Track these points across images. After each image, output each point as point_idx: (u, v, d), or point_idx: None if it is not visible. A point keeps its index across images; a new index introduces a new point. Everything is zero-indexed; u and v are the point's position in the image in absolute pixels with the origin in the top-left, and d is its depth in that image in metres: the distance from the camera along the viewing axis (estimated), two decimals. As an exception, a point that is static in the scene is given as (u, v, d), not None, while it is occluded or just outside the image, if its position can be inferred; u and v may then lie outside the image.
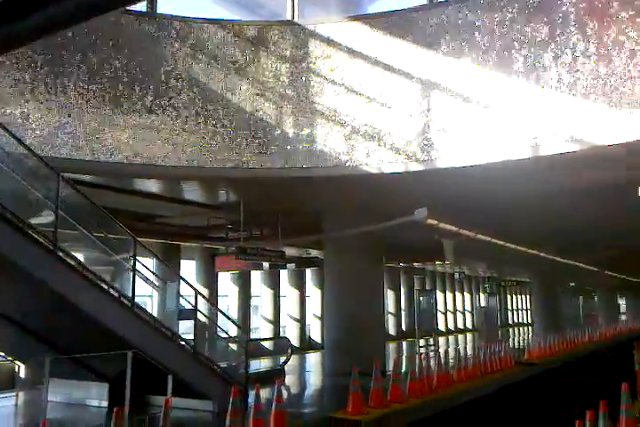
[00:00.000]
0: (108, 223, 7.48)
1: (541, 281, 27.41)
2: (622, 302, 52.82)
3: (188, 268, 17.63)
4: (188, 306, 8.16)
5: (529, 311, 42.42)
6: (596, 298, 42.86)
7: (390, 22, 8.92)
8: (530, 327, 36.12)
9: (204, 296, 8.38)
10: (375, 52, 8.91)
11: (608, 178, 9.38)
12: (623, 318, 46.24)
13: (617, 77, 7.36)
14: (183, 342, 7.97)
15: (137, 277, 7.65)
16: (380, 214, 10.67)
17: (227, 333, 9.61)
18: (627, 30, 7.30)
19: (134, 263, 7.35)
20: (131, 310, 7.06)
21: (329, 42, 9.14)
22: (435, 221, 10.23)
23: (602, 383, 10.71)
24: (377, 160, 8.76)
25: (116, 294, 7.12)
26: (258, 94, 9.11)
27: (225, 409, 6.13)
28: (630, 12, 7.31)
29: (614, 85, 7.36)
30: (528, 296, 42.60)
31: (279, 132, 9.06)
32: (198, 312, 8.22)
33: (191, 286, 8.16)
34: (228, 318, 9.45)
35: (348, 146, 8.92)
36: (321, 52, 9.11)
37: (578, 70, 7.63)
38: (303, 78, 9.13)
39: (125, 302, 7.12)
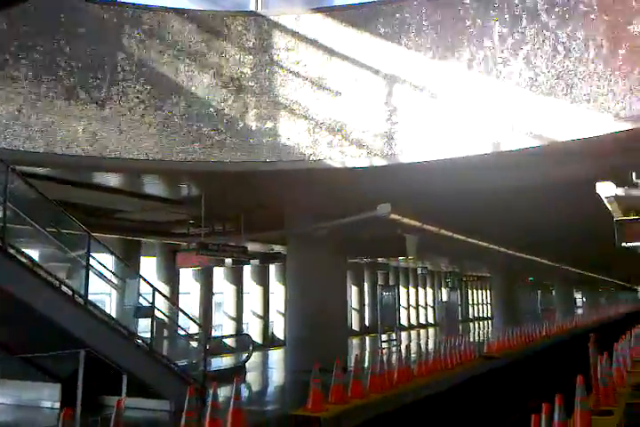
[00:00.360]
0: (63, 218, 7.23)
1: (501, 276, 27.96)
2: (579, 297, 54.40)
3: (149, 264, 17.29)
4: (148, 303, 7.96)
5: (489, 306, 43.23)
6: (553, 292, 43.92)
7: (355, 15, 8.83)
8: (490, 321, 36.80)
9: (161, 293, 8.16)
10: (340, 45, 8.81)
11: (568, 174, 9.52)
12: (579, 311, 47.59)
13: (576, 73, 7.43)
14: (140, 341, 7.76)
15: (94, 274, 7.42)
16: (344, 209, 10.61)
17: (186, 331, 9.41)
18: (586, 26, 7.37)
19: (88, 260, 7.10)
20: (84, 308, 6.81)
21: (293, 34, 9.00)
22: (398, 217, 10.22)
23: (559, 376, 10.94)
24: (340, 154, 8.68)
25: (70, 292, 6.86)
26: (220, 86, 8.91)
27: (182, 408, 5.98)
28: (586, 8, 7.39)
29: (573, 81, 7.43)
30: (488, 291, 43.41)
31: (242, 124, 8.89)
32: (156, 310, 8.01)
33: (148, 282, 7.94)
34: (187, 315, 9.26)
35: (311, 140, 8.80)
36: (285, 44, 8.96)
37: (538, 66, 7.69)
38: (266, 70, 8.97)
39: (79, 299, 6.86)
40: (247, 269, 20.80)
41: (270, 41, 9.02)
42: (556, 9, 7.63)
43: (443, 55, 8.29)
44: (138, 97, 8.60)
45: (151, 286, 7.90)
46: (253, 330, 20.71)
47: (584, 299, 56.09)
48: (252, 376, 11.73)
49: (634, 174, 8.79)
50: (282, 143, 8.85)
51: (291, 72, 8.95)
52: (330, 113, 8.78)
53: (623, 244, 9.50)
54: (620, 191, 8.55)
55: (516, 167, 9.15)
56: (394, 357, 9.96)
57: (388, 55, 8.59)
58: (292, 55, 8.93)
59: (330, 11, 9.01)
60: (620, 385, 7.80)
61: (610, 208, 9.67)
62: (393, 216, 9.84)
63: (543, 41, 7.67)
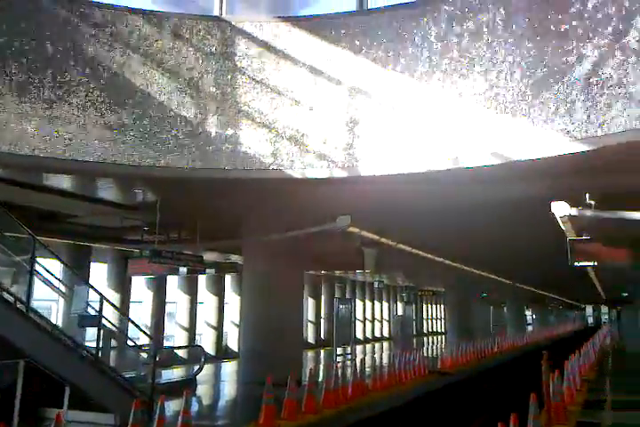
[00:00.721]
0: (8, 220, 6.89)
1: (455, 291, 28.28)
2: (529, 314, 55.59)
3: (100, 271, 16.75)
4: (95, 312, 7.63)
5: (443, 321, 43.66)
6: (505, 309, 44.73)
7: (320, 26, 8.80)
8: (444, 336, 37.13)
9: (108, 301, 7.84)
10: (303, 55, 8.77)
11: (525, 193, 9.66)
12: (529, 328, 48.58)
13: (535, 94, 7.55)
14: (86, 352, 7.42)
15: (39, 280, 7.08)
16: (303, 220, 10.50)
17: (134, 341, 9.07)
18: (544, 45, 7.51)
19: (32, 265, 6.76)
20: (25, 316, 6.46)
21: (257, 41, 8.91)
22: (357, 229, 10.17)
23: (510, 392, 11.02)
24: (301, 165, 8.59)
25: (11, 299, 6.50)
26: (179, 90, 8.71)
27: (127, 423, 5.71)
28: (545, 30, 7.54)
29: (532, 101, 7.55)
30: (442, 306, 43.87)
31: (201, 130, 8.70)
32: (104, 319, 7.69)
33: (95, 289, 7.62)
34: (135, 324, 8.93)
35: (272, 149, 8.69)
36: (248, 51, 8.86)
37: (498, 85, 7.78)
38: (229, 77, 8.83)
39: (21, 306, 6.51)
40: (202, 279, 20.41)
41: (233, 47, 8.90)
42: (515, 28, 7.75)
43: (405, 69, 8.32)
44: (92, 97, 8.33)
45: (98, 293, 7.58)
46: (207, 341, 20.28)
47: (534, 316, 57.36)
48: (203, 389, 11.41)
49: (587, 195, 9.02)
50: (242, 151, 8.70)
51: (253, 80, 8.84)
52: (291, 123, 8.70)
53: (575, 263, 9.71)
54: (574, 211, 8.73)
55: (474, 184, 9.25)
56: (349, 371, 9.85)
57: (351, 67, 8.59)
58: (255, 63, 8.83)
59: (295, 20, 8.96)
60: (570, 403, 7.88)
61: (563, 228, 9.88)
62: (352, 229, 9.78)
63: (504, 60, 7.78)
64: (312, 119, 8.67)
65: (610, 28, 7.01)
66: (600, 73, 7.03)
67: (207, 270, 16.32)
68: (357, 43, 8.62)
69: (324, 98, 8.66)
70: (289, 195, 9.98)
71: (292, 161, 8.62)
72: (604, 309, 71.46)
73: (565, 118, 7.28)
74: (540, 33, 7.53)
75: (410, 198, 10.23)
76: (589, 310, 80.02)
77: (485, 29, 7.92)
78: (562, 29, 7.35)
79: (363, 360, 10.62)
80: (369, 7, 9.06)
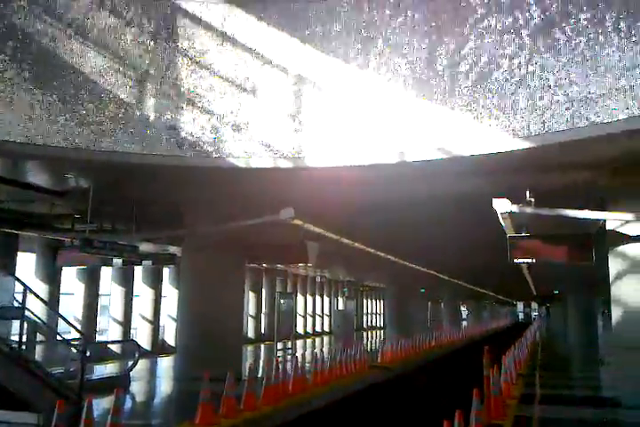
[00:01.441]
0: None
1: (395, 287, 28.64)
2: (464, 309, 57.21)
3: (28, 261, 15.86)
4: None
5: (383, 315, 44.24)
6: (442, 305, 45.77)
7: (268, 10, 8.51)
8: (383, 331, 37.61)
9: (32, 291, 7.29)
10: (250, 39, 8.45)
11: (468, 189, 9.74)
12: (465, 323, 49.98)
13: (481, 90, 7.55)
14: (6, 346, 6.89)
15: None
16: (246, 211, 10.21)
17: (62, 335, 8.54)
18: (486, 39, 7.52)
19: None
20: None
21: (200, 22, 8.53)
22: (301, 222, 9.98)
23: (449, 386, 11.15)
24: (245, 153, 8.30)
25: None
26: (115, 70, 8.23)
27: (51, 422, 5.31)
28: (490, 21, 7.55)
29: (477, 98, 7.54)
30: (382, 301, 44.46)
31: (139, 114, 8.26)
32: (28, 311, 7.17)
33: (18, 279, 7.09)
34: (62, 317, 8.41)
35: (215, 136, 8.35)
36: (190, 32, 8.46)
37: (446, 80, 7.73)
38: (169, 58, 8.42)
39: None
40: (138, 271, 19.72)
41: (175, 27, 8.48)
42: (457, 22, 7.72)
43: (353, 60, 8.15)
44: (20, 74, 7.75)
45: (21, 283, 7.05)
46: (142, 336, 19.63)
47: (469, 312, 59.07)
48: (137, 386, 10.95)
49: (528, 193, 9.16)
50: (182, 137, 8.33)
51: (196, 63, 8.47)
52: (236, 110, 8.38)
53: (514, 260, 9.87)
54: (515, 208, 8.84)
55: (418, 179, 9.22)
56: (289, 366, 9.66)
57: (300, 55, 8.35)
58: (198, 45, 8.45)
59: (243, 2, 8.64)
60: (507, 397, 7.98)
61: (503, 224, 10.01)
62: (296, 221, 9.58)
63: (454, 58, 7.73)
64: (258, 107, 8.39)
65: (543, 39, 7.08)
66: (543, 74, 7.10)
67: (143, 262, 15.74)
68: (305, 30, 8.38)
69: (271, 85, 8.39)
70: (232, 185, 9.66)
71: (235, 149, 8.31)
72: (534, 305, 74.42)
73: (509, 116, 7.31)
74: (488, 31, 7.53)
75: (355, 192, 10.12)
76: (520, 306, 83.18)
77: (432, 24, 7.85)
78: (506, 28, 7.38)
79: (304, 355, 10.46)
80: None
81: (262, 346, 22.09)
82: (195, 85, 8.40)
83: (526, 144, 7.26)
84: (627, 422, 8.31)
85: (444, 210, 11.83)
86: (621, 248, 8.91)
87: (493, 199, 8.93)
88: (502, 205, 8.77)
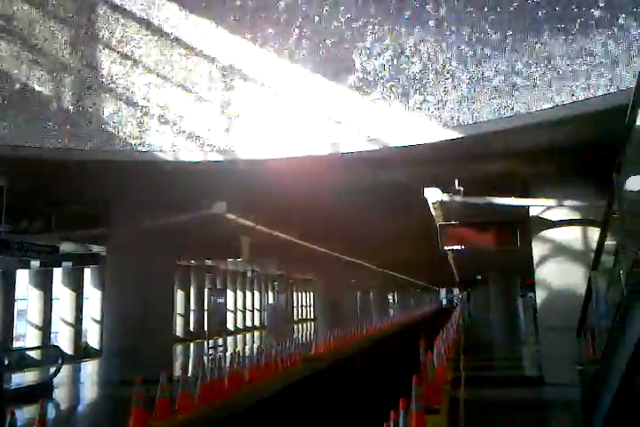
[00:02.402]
0: None
1: (324, 278, 28.85)
2: (391, 298, 58.65)
3: None
4: None
5: (313, 308, 44.52)
6: (371, 294, 46.67)
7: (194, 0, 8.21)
8: (315, 323, 37.84)
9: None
10: (176, 29, 8.13)
11: (400, 179, 9.84)
12: (392, 312, 51.20)
13: (411, 81, 7.62)
14: None
15: None
16: (175, 206, 9.86)
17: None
18: (424, 36, 7.60)
19: None
20: None
21: (123, 11, 8.11)
22: (233, 216, 9.75)
23: (384, 374, 11.32)
24: (173, 147, 7.99)
25: None
26: (30, 60, 7.69)
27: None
28: (433, 19, 7.63)
29: (407, 89, 7.61)
30: (312, 293, 44.71)
31: (57, 106, 7.76)
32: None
33: None
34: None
35: (141, 129, 7.99)
36: (112, 21, 8.04)
37: (376, 72, 7.74)
38: (89, 48, 7.96)
39: None
40: (58, 272, 18.73)
41: (95, 16, 8.03)
42: (392, 18, 7.75)
43: (281, 52, 8.00)
44: None
45: None
46: (64, 340, 18.69)
47: (396, 299, 60.60)
48: (62, 393, 10.36)
49: (457, 182, 9.39)
50: (105, 130, 7.91)
51: (119, 53, 8.05)
52: (163, 102, 8.05)
53: (445, 247, 10.12)
54: (445, 197, 9.04)
55: (351, 170, 9.24)
56: (223, 363, 9.45)
57: (229, 46, 8.11)
58: (120, 34, 8.03)
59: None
60: (441, 383, 8.17)
61: (434, 213, 10.23)
62: (228, 215, 9.35)
63: (384, 48, 7.75)
64: (185, 99, 8.09)
65: (470, 30, 7.23)
66: (470, 65, 7.25)
67: (63, 263, 14.95)
68: (234, 20, 8.14)
69: (199, 77, 8.11)
70: (160, 180, 9.30)
71: (163, 142, 7.99)
72: (456, 291, 77.31)
73: (439, 107, 7.43)
74: (420, 21, 7.60)
75: (286, 184, 10.01)
76: (443, 292, 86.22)
77: (361, 17, 7.82)
78: (431, 20, 7.47)
79: (237, 352, 10.28)
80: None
81: (192, 345, 21.60)
82: (119, 76, 7.99)
83: (455, 134, 7.40)
84: (548, 399, 8.77)
85: (375, 200, 11.95)
86: (544, 233, 9.33)
87: (425, 188, 9.09)
88: (433, 195, 8.94)
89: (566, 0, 6.64)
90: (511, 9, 6.98)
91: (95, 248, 15.92)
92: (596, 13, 6.45)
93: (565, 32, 6.63)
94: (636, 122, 3.86)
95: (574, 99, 6.54)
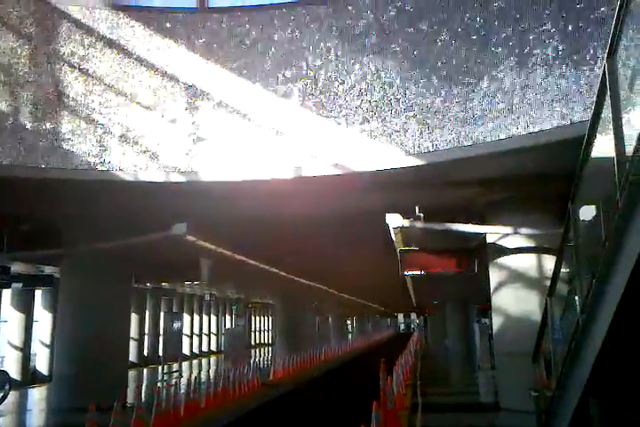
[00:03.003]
0: None
1: (284, 302, 28.62)
2: (350, 323, 58.52)
3: None
4: None
5: (272, 332, 43.94)
6: (330, 319, 46.42)
7: (160, 20, 8.21)
8: (273, 347, 37.31)
9: None
10: (141, 48, 8.10)
11: (362, 204, 9.93)
12: (350, 336, 51.03)
13: (374, 109, 7.76)
14: None
15: None
16: (134, 228, 9.67)
17: None
18: (386, 64, 7.78)
19: None
20: None
21: (86, 28, 8.04)
22: (193, 238, 9.62)
23: (341, 400, 11.21)
24: (133, 166, 7.88)
25: None
26: (-12, 76, 7.53)
27: None
28: (395, 47, 7.82)
29: (371, 116, 7.75)
30: (272, 317, 44.19)
31: (12, 122, 7.59)
32: None
33: None
34: None
35: (100, 148, 7.87)
36: (74, 38, 7.96)
37: (340, 99, 7.85)
38: (49, 64, 7.85)
39: None
40: (7, 294, 18.02)
41: (57, 32, 7.94)
42: (367, 43, 7.93)
43: (248, 75, 8.06)
44: None
45: None
46: (11, 365, 17.88)
47: (355, 324, 60.47)
48: (8, 421, 9.86)
49: (417, 208, 9.54)
50: (63, 148, 7.76)
51: (80, 70, 7.96)
52: (124, 120, 7.96)
53: (405, 272, 10.21)
54: (406, 223, 9.16)
55: (313, 194, 9.28)
56: (179, 389, 9.20)
57: (195, 67, 8.13)
58: (82, 51, 7.96)
59: (132, 10, 8.26)
60: (400, 409, 8.16)
61: (394, 239, 10.34)
62: (188, 238, 9.23)
63: (347, 75, 7.90)
64: (148, 118, 8.02)
65: (431, 60, 7.47)
66: (431, 95, 7.45)
67: (13, 284, 14.38)
68: (200, 42, 8.19)
69: (163, 97, 8.07)
70: (120, 200, 9.13)
71: (123, 162, 7.88)
72: (414, 316, 77.70)
73: (401, 134, 7.59)
74: (382, 50, 7.80)
75: (249, 207, 9.97)
76: (401, 317, 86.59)
77: (328, 44, 7.97)
78: (396, 51, 7.69)
79: (194, 377, 10.03)
80: (210, 5, 8.67)
81: (146, 370, 20.95)
82: (79, 94, 7.89)
83: (416, 161, 7.55)
84: (503, 425, 8.83)
85: (337, 225, 12.00)
86: (500, 260, 9.51)
87: (386, 214, 9.19)
88: (394, 220, 9.05)
89: (524, 36, 6.94)
90: (471, 42, 7.24)
91: (48, 269, 15.42)
92: (552, 49, 6.75)
93: (523, 66, 6.91)
94: (590, 154, 4.02)
95: (530, 130, 6.79)
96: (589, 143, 3.95)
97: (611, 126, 3.31)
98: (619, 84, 3.30)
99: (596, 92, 3.71)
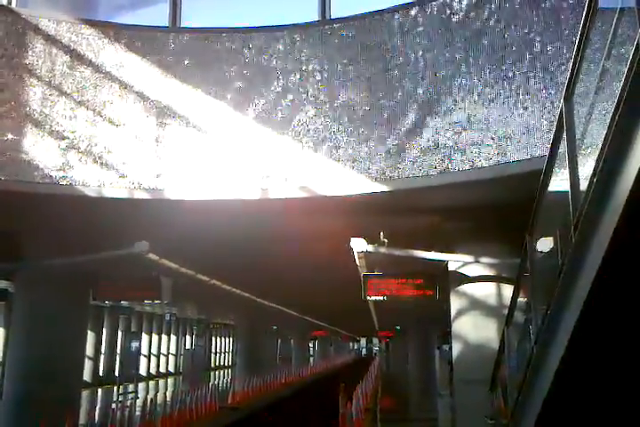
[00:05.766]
0: None
1: (245, 324, 28.26)
2: (311, 345, 58.07)
3: None
4: None
5: (233, 354, 43.22)
6: (292, 341, 46.02)
7: (131, 36, 8.22)
8: (233, 369, 36.66)
9: None
10: (110, 64, 8.07)
11: (326, 229, 9.98)
12: (312, 360, 50.57)
13: (341, 134, 7.88)
14: None
15: None
16: (95, 244, 9.49)
17: None
18: (354, 90, 7.93)
19: None
20: None
21: (53, 41, 8.00)
22: (155, 257, 9.49)
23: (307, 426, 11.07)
24: (98, 182, 7.79)
25: None
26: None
27: None
28: (354, 74, 7.99)
29: (339, 141, 7.85)
30: (232, 338, 43.53)
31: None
32: None
33: None
34: None
35: (64, 162, 7.76)
36: (41, 49, 7.90)
37: (306, 122, 7.95)
38: (13, 75, 7.75)
39: None
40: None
41: (23, 44, 7.88)
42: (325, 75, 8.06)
43: (218, 94, 8.10)
44: None
45: None
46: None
47: (317, 347, 60.02)
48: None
49: (381, 233, 9.65)
50: (24, 160, 7.63)
51: (44, 82, 7.89)
52: (90, 135, 7.89)
53: (368, 297, 10.25)
54: (370, 248, 9.25)
55: (280, 216, 9.30)
56: (135, 411, 8.96)
57: (163, 84, 8.13)
58: (48, 64, 7.89)
59: (102, 25, 8.25)
60: (358, 434, 8.10)
61: (358, 263, 10.41)
62: (150, 256, 9.10)
63: (314, 100, 8.00)
64: (114, 133, 7.96)
65: (399, 90, 7.66)
66: (395, 122, 7.62)
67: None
68: (170, 59, 8.21)
69: (131, 113, 8.04)
70: (82, 215, 8.97)
71: (87, 177, 7.78)
72: (375, 340, 77.64)
73: (366, 160, 7.71)
74: (349, 78, 7.95)
75: (214, 227, 9.92)
76: (363, 341, 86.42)
77: (296, 68, 8.09)
78: (359, 75, 7.86)
79: (150, 399, 9.79)
80: (181, 25, 8.73)
81: (100, 390, 20.33)
82: (43, 105, 7.80)
83: (382, 187, 7.67)
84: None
85: (302, 247, 12.01)
86: (461, 287, 9.64)
87: (351, 239, 9.26)
88: (358, 245, 9.12)
89: (488, 69, 7.18)
90: (436, 73, 7.46)
91: (2, 284, 14.93)
92: (514, 85, 6.99)
93: (486, 100, 7.14)
94: (546, 188, 4.16)
95: (492, 162, 6.98)
96: (546, 178, 4.10)
97: (566, 163, 3.45)
98: (574, 125, 3.44)
99: (554, 131, 3.86)
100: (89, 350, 24.45)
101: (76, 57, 8.01)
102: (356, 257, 9.71)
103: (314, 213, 9.05)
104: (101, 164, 7.88)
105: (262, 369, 24.34)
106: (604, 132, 2.68)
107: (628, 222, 2.57)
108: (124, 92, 8.07)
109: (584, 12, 3.12)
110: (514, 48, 7.04)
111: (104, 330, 26.14)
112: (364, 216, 9.22)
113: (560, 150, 3.90)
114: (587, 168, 3.29)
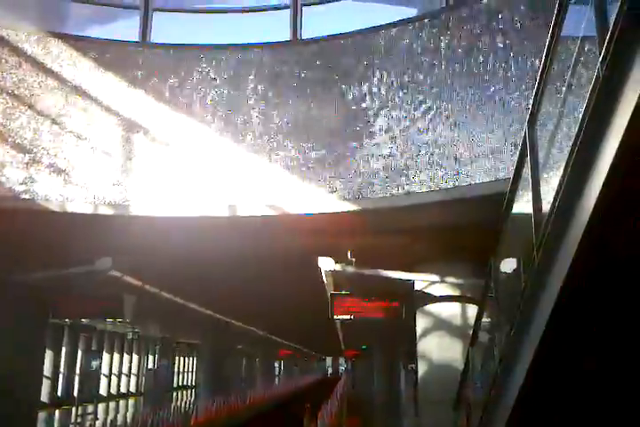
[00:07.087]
0: None
1: (208, 343, 27.76)
2: (277, 365, 57.40)
3: None
4: None
5: (196, 373, 42.37)
6: (257, 361, 45.38)
7: (99, 50, 8.15)
8: (197, 390, 35.91)
9: None
10: (76, 76, 7.97)
11: (294, 247, 9.94)
12: (277, 380, 49.95)
13: (310, 151, 7.90)
14: None
15: None
16: (56, 260, 9.25)
17: None
18: (319, 106, 7.99)
19: None
20: None
21: (20, 53, 7.88)
22: (119, 274, 9.30)
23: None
24: (60, 196, 7.62)
25: None
26: None
27: None
28: (331, 96, 8.06)
29: (307, 160, 7.87)
30: (195, 358, 42.71)
31: None
32: None
33: None
34: None
35: (26, 175, 7.58)
36: (6, 61, 7.78)
37: (277, 141, 7.96)
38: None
39: None
40: None
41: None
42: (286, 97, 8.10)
43: (187, 111, 8.06)
44: None
45: None
46: None
47: (282, 367, 59.36)
48: None
49: (349, 252, 9.65)
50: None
51: (8, 94, 7.74)
52: (53, 149, 7.73)
53: (335, 316, 10.21)
54: (338, 267, 9.25)
55: (250, 235, 9.22)
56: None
57: (131, 100, 8.05)
58: (12, 76, 7.76)
59: (71, 39, 8.16)
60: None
61: (326, 282, 10.37)
62: (113, 273, 8.91)
63: (283, 117, 8.02)
64: (79, 148, 7.82)
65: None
66: (364, 142, 7.68)
67: None
68: (138, 74, 8.15)
69: (97, 127, 7.92)
70: (42, 230, 8.74)
71: (50, 191, 7.61)
72: (342, 360, 77.31)
73: (333, 180, 7.73)
74: (320, 96, 8.02)
75: (181, 245, 9.77)
76: (329, 361, 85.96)
77: (264, 86, 8.12)
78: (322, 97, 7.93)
79: (110, 420, 9.49)
80: (153, 41, 8.70)
81: (57, 412, 19.62)
82: (6, 118, 7.63)
83: (351, 207, 7.69)
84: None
85: (269, 266, 11.91)
86: (427, 307, 9.70)
87: (319, 258, 9.24)
88: (326, 264, 9.11)
89: (454, 92, 7.32)
90: (400, 94, 7.58)
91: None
92: (481, 107, 7.14)
93: (452, 122, 7.27)
94: (510, 210, 4.23)
95: (457, 184, 7.09)
96: (510, 200, 4.17)
97: (530, 186, 3.51)
98: (537, 150, 3.52)
99: (518, 155, 3.94)
100: (46, 370, 23.69)
101: (43, 69, 7.90)
102: (324, 276, 9.68)
103: (282, 231, 9.01)
104: (65, 178, 7.72)
105: (227, 389, 23.90)
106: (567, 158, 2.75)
107: (590, 243, 2.63)
108: (90, 106, 7.96)
109: (547, 40, 3.22)
110: (480, 71, 7.22)
111: (64, 348, 25.36)
112: (333, 235, 9.21)
113: (525, 174, 3.98)
114: (550, 190, 3.35)
